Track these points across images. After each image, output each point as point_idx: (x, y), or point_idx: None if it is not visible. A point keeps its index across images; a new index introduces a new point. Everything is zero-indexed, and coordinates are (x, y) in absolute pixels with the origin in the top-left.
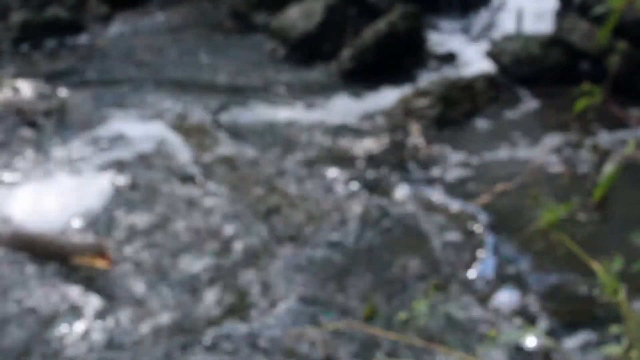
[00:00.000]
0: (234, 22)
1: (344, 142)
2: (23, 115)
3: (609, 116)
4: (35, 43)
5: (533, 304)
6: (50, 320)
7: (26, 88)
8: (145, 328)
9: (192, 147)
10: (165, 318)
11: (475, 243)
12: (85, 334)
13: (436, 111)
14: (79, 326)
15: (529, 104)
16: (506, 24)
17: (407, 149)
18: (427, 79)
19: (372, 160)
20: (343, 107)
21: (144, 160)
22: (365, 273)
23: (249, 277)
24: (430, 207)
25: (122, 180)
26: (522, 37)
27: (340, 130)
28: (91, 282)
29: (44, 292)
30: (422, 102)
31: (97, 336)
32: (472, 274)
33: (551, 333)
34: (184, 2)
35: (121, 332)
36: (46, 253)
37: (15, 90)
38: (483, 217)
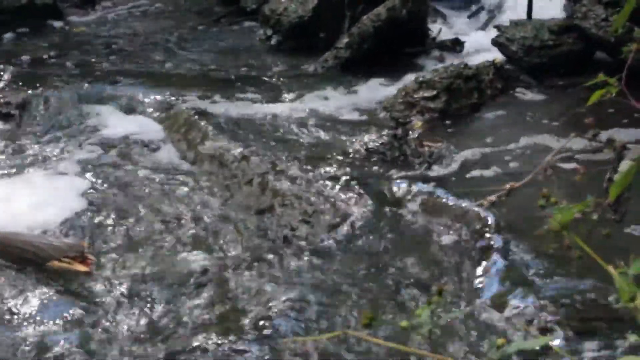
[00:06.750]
0: (223, 8)
1: (341, 137)
2: None
3: (626, 109)
4: (9, 29)
5: (545, 310)
6: (25, 328)
7: None
8: (127, 337)
9: (179, 142)
10: (149, 327)
11: (482, 245)
12: (62, 343)
13: (440, 103)
14: (56, 333)
15: (540, 95)
16: (516, 9)
17: (409, 144)
18: (430, 68)
19: (372, 156)
20: (340, 99)
21: (126, 156)
22: (364, 277)
23: (239, 281)
24: (433, 206)
25: (102, 178)
26: (532, 23)
27: (337, 123)
28: (69, 287)
29: (19, 298)
30: (425, 93)
31: (75, 345)
32: (478, 278)
33: (564, 342)
34: None
35: (101, 341)
36: (21, 256)
37: None
38: (490, 218)
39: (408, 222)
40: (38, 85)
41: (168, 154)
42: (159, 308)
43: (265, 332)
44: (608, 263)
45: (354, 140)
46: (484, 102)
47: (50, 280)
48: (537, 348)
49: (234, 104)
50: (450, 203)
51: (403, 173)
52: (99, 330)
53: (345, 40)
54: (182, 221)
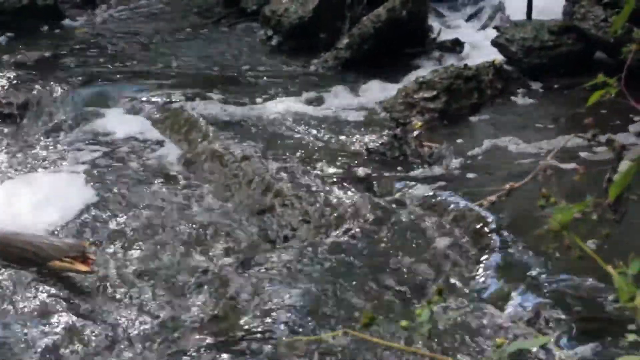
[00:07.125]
0: (224, 9)
1: (341, 137)
2: None
3: (626, 109)
4: (10, 30)
5: (544, 310)
6: (26, 328)
7: (0, 79)
8: (127, 336)
9: (179, 142)
10: (149, 326)
11: (482, 245)
12: (62, 343)
13: (440, 104)
14: (55, 334)
15: (539, 96)
16: (515, 10)
17: (409, 144)
18: (430, 69)
19: (372, 156)
20: (340, 100)
21: (127, 156)
22: (364, 277)
23: (240, 281)
24: (433, 206)
25: (103, 177)
26: (531, 24)
27: (337, 124)
28: (70, 287)
29: (19, 298)
30: (425, 94)
31: (75, 345)
32: (478, 278)
33: (564, 342)
34: None
35: (102, 341)
36: (22, 256)
37: None
38: (490, 218)
39: (408, 222)
40: (39, 85)
41: (169, 154)
42: (160, 308)
43: (265, 331)
44: (608, 263)
45: (354, 140)
46: (483, 103)
47: (50, 280)
48: (537, 348)
49: (234, 104)
50: (450, 203)
51: (403, 173)
52: (100, 330)
53: (345, 40)
54: (183, 221)
